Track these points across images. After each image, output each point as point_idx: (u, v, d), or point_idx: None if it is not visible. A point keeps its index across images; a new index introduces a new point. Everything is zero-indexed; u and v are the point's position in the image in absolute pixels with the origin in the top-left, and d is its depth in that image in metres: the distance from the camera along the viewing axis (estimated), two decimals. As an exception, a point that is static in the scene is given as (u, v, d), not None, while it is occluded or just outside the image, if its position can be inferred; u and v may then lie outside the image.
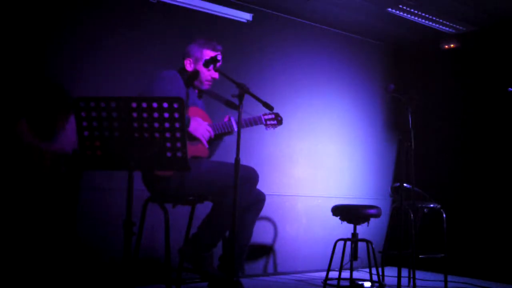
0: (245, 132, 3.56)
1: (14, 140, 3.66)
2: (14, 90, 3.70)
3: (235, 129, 3.54)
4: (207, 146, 3.47)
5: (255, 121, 3.65)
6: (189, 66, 3.56)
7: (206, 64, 3.26)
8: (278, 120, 3.72)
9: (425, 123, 5.49)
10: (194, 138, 3.41)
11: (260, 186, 3.54)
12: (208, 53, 3.52)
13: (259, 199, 3.53)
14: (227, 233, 3.51)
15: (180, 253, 3.45)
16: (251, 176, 3.45)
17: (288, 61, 5.26)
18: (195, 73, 3.53)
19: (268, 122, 3.71)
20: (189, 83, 3.54)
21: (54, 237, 3.74)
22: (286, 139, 5.13)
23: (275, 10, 5.15)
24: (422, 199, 4.71)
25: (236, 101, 3.12)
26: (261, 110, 3.22)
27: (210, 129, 3.46)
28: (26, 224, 3.65)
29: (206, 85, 3.58)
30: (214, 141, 3.58)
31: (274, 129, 3.75)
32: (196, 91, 3.62)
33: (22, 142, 3.63)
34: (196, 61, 3.54)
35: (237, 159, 3.01)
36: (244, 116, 3.54)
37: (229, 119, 3.59)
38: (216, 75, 3.54)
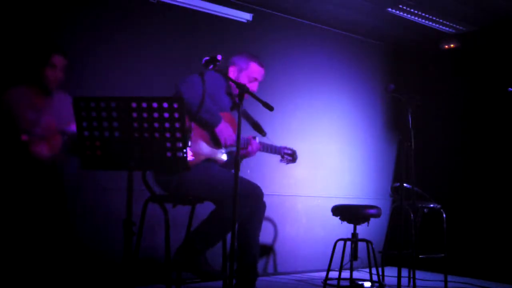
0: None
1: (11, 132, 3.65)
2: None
3: (255, 149, 3.64)
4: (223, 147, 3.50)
5: (275, 150, 3.77)
6: (232, 74, 3.65)
7: (206, 63, 3.25)
8: (293, 157, 3.85)
9: (425, 123, 5.49)
10: (216, 142, 3.45)
11: (261, 186, 3.54)
12: (254, 66, 3.64)
13: (259, 205, 3.53)
14: (228, 237, 3.50)
15: (174, 263, 3.44)
16: (255, 192, 3.47)
17: (288, 61, 5.26)
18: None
19: (286, 156, 3.82)
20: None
21: (54, 237, 3.74)
22: (286, 139, 5.11)
23: (275, 10, 5.15)
24: (422, 199, 4.71)
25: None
26: (261, 110, 3.21)
27: (233, 137, 3.48)
28: (26, 224, 3.65)
29: None
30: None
31: (286, 163, 3.85)
32: (232, 102, 3.66)
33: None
34: (240, 70, 3.64)
35: (237, 159, 3.00)
36: (267, 141, 3.68)
37: (254, 138, 3.63)
38: (254, 88, 3.62)
